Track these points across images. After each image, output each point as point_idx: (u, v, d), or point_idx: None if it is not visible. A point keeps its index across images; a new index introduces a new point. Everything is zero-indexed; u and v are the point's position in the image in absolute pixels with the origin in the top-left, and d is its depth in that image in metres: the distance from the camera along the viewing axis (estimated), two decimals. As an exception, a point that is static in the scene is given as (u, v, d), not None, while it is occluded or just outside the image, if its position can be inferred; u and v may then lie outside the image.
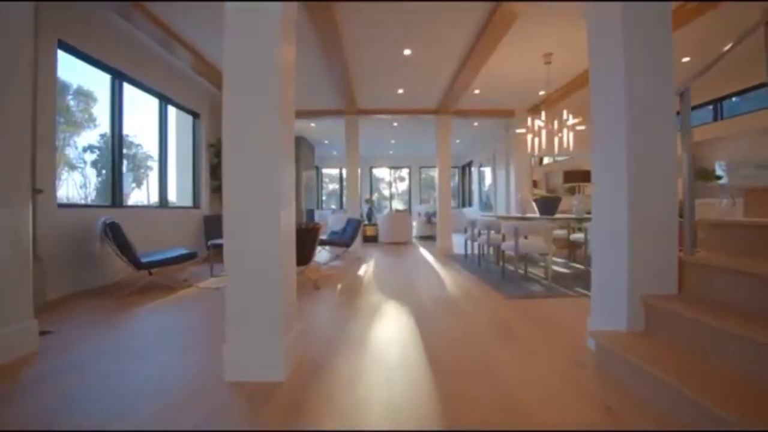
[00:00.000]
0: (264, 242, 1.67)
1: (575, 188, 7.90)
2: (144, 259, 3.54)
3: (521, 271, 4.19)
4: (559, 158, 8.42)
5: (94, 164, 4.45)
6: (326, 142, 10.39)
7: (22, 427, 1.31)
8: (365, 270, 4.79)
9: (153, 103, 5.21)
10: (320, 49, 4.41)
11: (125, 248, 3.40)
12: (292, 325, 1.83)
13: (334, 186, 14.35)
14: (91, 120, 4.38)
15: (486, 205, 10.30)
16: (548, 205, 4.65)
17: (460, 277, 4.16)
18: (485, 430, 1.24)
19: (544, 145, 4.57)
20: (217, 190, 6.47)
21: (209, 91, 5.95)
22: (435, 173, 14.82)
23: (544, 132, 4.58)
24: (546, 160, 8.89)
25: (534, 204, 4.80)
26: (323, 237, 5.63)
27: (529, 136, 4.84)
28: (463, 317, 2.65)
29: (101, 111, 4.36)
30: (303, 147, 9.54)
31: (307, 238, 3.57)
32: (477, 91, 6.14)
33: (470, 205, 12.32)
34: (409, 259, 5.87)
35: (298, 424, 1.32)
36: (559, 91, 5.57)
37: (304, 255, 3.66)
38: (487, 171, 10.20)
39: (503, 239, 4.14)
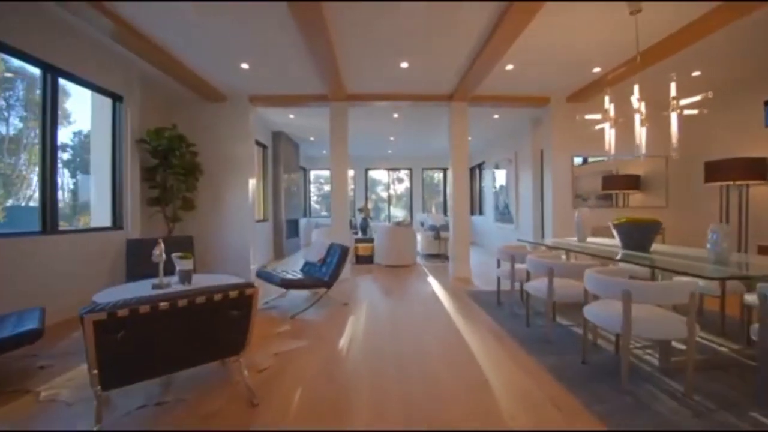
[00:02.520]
0: None
1: (613, 196, 6.21)
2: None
3: (608, 347, 2.48)
4: (593, 159, 6.63)
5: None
6: (312, 139, 8.65)
7: None
8: (351, 335, 3.06)
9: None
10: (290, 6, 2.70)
11: None
12: None
13: (329, 188, 12.65)
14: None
15: (503, 215, 8.59)
16: (639, 233, 2.94)
17: (512, 364, 2.43)
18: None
19: (638, 139, 2.86)
20: (154, 202, 4.74)
21: (138, 66, 4.23)
22: (438, 175, 13.22)
23: (637, 118, 2.87)
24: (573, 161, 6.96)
25: (614, 230, 3.09)
26: (292, 276, 3.90)
27: (606, 125, 3.14)
28: None
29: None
30: (283, 145, 7.82)
31: (231, 314, 1.85)
32: (510, 67, 4.43)
33: (481, 213, 10.58)
34: (416, 304, 4.16)
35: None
36: (649, 55, 3.70)
37: (231, 339, 1.95)
38: (503, 174, 8.48)
39: (585, 298, 2.43)
